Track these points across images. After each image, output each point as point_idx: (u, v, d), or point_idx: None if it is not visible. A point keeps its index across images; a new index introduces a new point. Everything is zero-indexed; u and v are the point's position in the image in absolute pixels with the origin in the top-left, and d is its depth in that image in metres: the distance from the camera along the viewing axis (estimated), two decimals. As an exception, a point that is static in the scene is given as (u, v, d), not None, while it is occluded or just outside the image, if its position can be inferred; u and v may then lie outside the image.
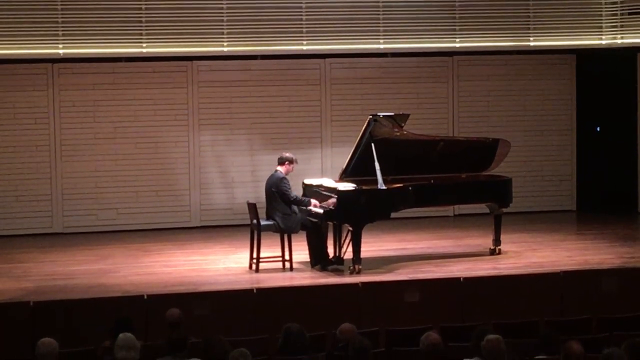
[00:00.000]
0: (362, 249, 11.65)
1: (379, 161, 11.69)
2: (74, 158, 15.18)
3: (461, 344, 7.92)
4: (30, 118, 15.04)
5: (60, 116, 15.11)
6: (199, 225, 15.54)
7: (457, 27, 15.98)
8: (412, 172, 12.39)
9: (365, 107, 15.40)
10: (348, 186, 11.84)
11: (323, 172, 15.38)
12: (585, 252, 12.84)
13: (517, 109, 16.54)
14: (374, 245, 12.95)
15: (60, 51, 14.84)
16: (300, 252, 12.22)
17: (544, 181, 16.65)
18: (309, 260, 12.12)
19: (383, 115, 12.13)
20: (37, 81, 15.05)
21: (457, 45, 16.02)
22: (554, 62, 16.63)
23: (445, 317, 10.04)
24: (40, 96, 15.06)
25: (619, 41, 16.10)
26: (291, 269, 11.94)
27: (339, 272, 11.77)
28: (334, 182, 12.26)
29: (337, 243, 12.11)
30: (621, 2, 16.04)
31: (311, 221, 11.93)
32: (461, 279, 10.95)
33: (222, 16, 15.27)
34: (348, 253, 11.82)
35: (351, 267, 11.61)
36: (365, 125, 11.97)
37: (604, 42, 16.27)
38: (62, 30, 14.81)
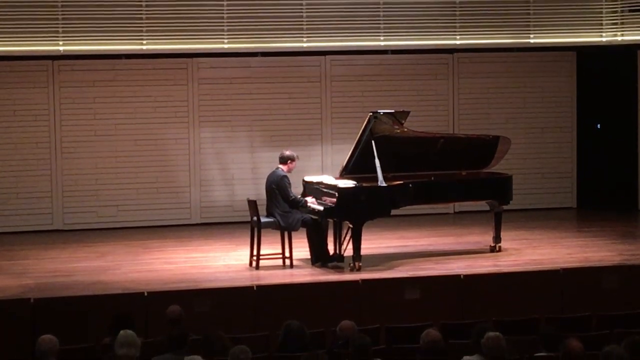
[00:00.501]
0: (363, 246, 11.66)
1: (379, 158, 11.70)
2: (74, 155, 15.18)
3: (461, 341, 7.93)
4: (30, 115, 15.04)
5: (61, 113, 15.11)
6: (199, 222, 15.55)
7: (457, 25, 15.98)
8: (413, 170, 12.39)
9: (365, 104, 15.40)
10: (348, 183, 11.84)
11: (323, 169, 15.38)
12: (585, 250, 12.84)
13: (517, 106, 16.54)
14: (374, 243, 12.96)
15: (61, 48, 14.84)
16: (301, 249, 12.22)
17: (544, 178, 16.65)
18: (309, 257, 12.13)
19: (383, 113, 12.13)
20: (37, 78, 15.05)
21: (458, 42, 16.01)
22: (554, 60, 16.62)
23: (446, 314, 10.05)
24: (41, 93, 15.06)
25: (620, 38, 16.09)
26: (291, 266, 11.95)
27: (339, 269, 11.78)
28: (334, 179, 12.25)
29: (338, 240, 12.11)
30: (621, -1, 16.06)
31: (311, 218, 11.93)
32: (461, 276, 10.96)
33: (222, 13, 15.27)
34: (348, 250, 11.82)
35: (351, 264, 11.62)
36: (365, 123, 11.98)
37: (604, 39, 16.26)
38: (62, 27, 14.80)
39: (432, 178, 12.38)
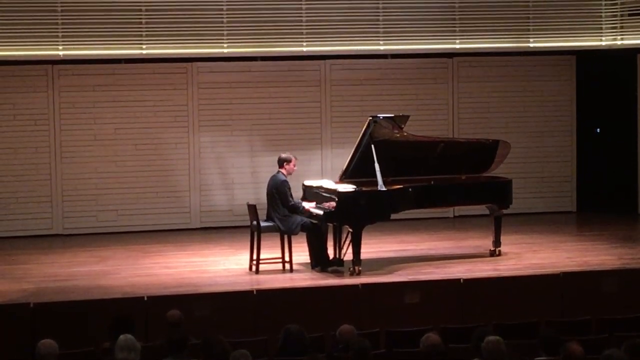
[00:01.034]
0: (362, 250, 11.66)
1: (379, 162, 11.70)
2: (74, 159, 15.18)
3: (461, 345, 7.93)
4: (30, 119, 15.04)
5: (60, 117, 15.12)
6: (199, 226, 15.55)
7: (457, 29, 15.99)
8: (412, 174, 12.39)
9: (365, 108, 15.41)
10: (348, 187, 11.84)
11: (323, 174, 15.38)
12: (585, 253, 12.84)
13: (517, 110, 16.55)
14: (374, 247, 12.95)
15: (60, 52, 14.84)
16: (300, 254, 12.22)
17: (544, 182, 16.65)
18: (309, 261, 12.13)
19: (383, 117, 12.14)
20: (37, 82, 15.06)
21: (457, 46, 16.02)
22: (553, 64, 16.63)
23: (446, 318, 10.03)
24: (40, 97, 15.07)
25: (619, 42, 16.11)
26: (291, 270, 11.95)
27: (339, 273, 11.77)
28: (334, 183, 12.26)
29: (337, 244, 12.11)
30: (621, 3, 16.05)
31: (311, 222, 11.93)
32: (461, 280, 10.95)
33: (222, 17, 15.27)
34: (348, 254, 11.82)
35: (351, 269, 11.62)
36: (365, 127, 11.98)
37: (603, 43, 16.27)
38: (62, 32, 14.81)
39: (432, 182, 12.37)
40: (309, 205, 11.98)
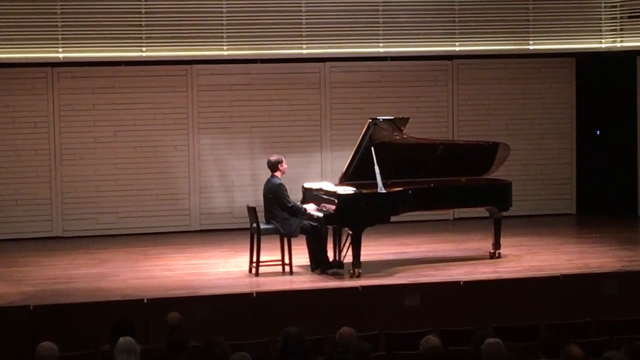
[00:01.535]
0: (362, 252, 11.65)
1: (378, 165, 11.70)
2: (73, 162, 15.18)
3: (461, 348, 7.93)
4: (30, 122, 15.04)
5: (60, 120, 15.12)
6: (199, 229, 15.55)
7: (456, 31, 15.99)
8: (412, 176, 12.39)
9: (365, 110, 15.41)
10: (348, 190, 11.84)
11: (323, 176, 15.38)
12: (585, 256, 12.84)
13: (516, 113, 16.54)
14: (374, 249, 12.95)
15: (60, 55, 14.84)
16: (300, 256, 12.22)
17: (543, 184, 16.65)
18: (309, 264, 12.13)
19: (383, 119, 12.14)
20: (37, 85, 15.06)
21: (457, 48, 16.02)
22: (553, 66, 16.63)
23: (446, 320, 10.05)
24: (40, 100, 15.06)
25: (619, 45, 16.11)
26: (291, 272, 11.94)
27: (339, 275, 11.77)
28: (333, 185, 12.26)
29: (337, 247, 12.11)
30: (621, 6, 16.05)
31: (311, 225, 11.93)
32: (461, 282, 10.95)
33: (222, 20, 15.28)
34: (348, 257, 11.82)
35: (351, 271, 11.61)
36: (365, 129, 11.98)
37: (603, 45, 16.27)
38: (62, 34, 14.81)
39: (432, 184, 12.37)
40: (309, 208, 11.98)
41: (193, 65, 15.46)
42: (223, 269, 12.46)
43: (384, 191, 11.68)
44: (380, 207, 11.71)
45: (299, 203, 12.14)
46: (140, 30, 15.05)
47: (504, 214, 12.63)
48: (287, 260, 11.96)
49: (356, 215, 11.59)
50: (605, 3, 16.23)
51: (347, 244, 11.88)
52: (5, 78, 14.93)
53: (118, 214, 15.32)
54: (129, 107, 15.34)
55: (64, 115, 15.14)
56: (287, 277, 11.82)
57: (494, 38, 16.07)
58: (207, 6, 15.23)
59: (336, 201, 11.65)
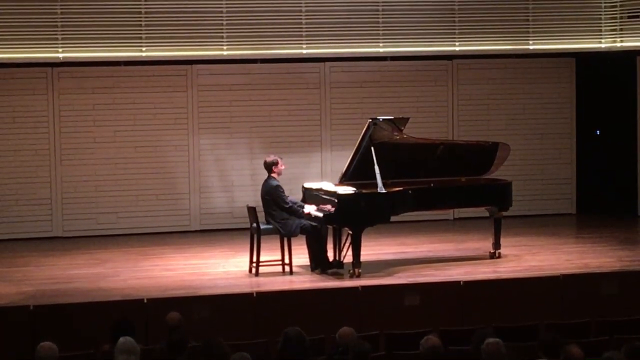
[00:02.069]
0: (362, 252, 11.66)
1: (378, 165, 11.70)
2: (73, 162, 15.18)
3: (461, 348, 7.92)
4: (30, 122, 15.04)
5: (60, 120, 15.12)
6: (198, 229, 15.55)
7: (456, 31, 15.99)
8: (412, 176, 12.39)
9: (364, 110, 15.41)
10: (348, 190, 11.84)
11: (323, 176, 15.38)
12: (585, 256, 12.84)
13: (516, 113, 16.55)
14: (374, 249, 12.95)
15: (60, 55, 14.84)
16: (300, 256, 12.22)
17: (543, 184, 16.65)
18: (308, 263, 12.13)
19: (383, 119, 12.14)
20: (37, 85, 15.06)
21: (457, 48, 16.02)
22: (553, 66, 16.63)
23: (445, 320, 10.04)
24: (40, 100, 15.07)
25: (619, 44, 16.11)
26: (291, 272, 11.94)
27: (338, 275, 11.77)
28: (333, 185, 12.26)
29: (337, 247, 12.11)
30: (621, 6, 16.05)
31: (311, 225, 11.93)
32: (461, 282, 10.95)
33: (222, 20, 15.27)
34: (348, 257, 11.82)
35: (351, 271, 11.61)
36: (365, 129, 11.98)
37: (603, 45, 16.27)
38: (62, 34, 14.81)
39: (432, 184, 12.37)
40: (309, 208, 11.98)
41: (193, 65, 15.46)
42: (223, 269, 12.46)
43: (384, 191, 11.68)
44: (380, 207, 11.71)
45: (298, 202, 12.13)
46: (140, 30, 15.05)
47: (504, 213, 12.64)
48: (287, 260, 11.97)
49: (356, 215, 11.59)
50: (605, 3, 16.23)
51: (347, 244, 11.88)
52: (5, 78, 14.93)
53: (118, 214, 15.32)
54: (129, 107, 15.34)
55: (64, 115, 15.14)
56: (287, 277, 11.82)
57: (494, 38, 16.07)
58: (207, 6, 15.23)
59: (336, 201, 11.65)
